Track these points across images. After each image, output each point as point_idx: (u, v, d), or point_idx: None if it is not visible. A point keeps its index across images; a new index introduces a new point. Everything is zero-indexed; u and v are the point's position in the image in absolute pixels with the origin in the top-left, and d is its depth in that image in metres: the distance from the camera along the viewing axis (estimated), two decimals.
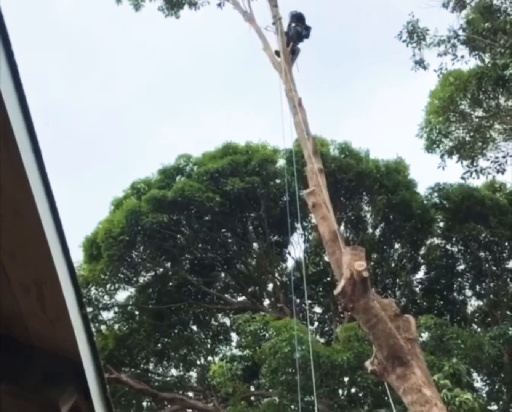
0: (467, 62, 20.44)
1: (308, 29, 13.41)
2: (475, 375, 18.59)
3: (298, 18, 13.40)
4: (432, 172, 36.07)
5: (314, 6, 28.95)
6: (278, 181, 21.92)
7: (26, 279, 2.74)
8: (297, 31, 13.08)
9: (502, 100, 21.45)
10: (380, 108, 44.30)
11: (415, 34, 20.19)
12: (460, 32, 20.29)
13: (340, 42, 40.59)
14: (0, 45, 2.05)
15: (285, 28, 13.20)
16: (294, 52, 12.87)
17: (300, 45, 13.13)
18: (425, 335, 17.33)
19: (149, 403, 23.08)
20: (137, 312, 23.10)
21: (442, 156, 21.21)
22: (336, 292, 9.42)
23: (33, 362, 3.03)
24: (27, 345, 3.04)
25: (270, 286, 23.74)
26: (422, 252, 23.00)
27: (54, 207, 2.48)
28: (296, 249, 23.03)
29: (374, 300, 10.52)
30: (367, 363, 9.71)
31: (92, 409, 3.12)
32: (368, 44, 40.76)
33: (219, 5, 18.65)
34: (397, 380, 9.02)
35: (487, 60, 20.53)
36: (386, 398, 14.78)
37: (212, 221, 21.72)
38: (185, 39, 44.15)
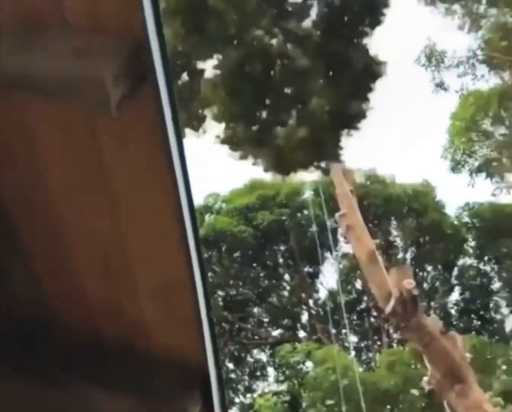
0: (487, 80, 20.55)
1: None
2: None
3: None
4: (461, 190, 35.67)
5: None
6: (305, 212, 21.96)
7: (154, 284, 2.76)
8: None
9: None
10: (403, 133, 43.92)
11: (433, 58, 20.35)
12: (478, 52, 20.42)
13: None
14: None
15: None
16: None
17: None
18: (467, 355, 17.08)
19: None
20: None
21: (470, 174, 21.15)
22: (386, 311, 9.32)
23: (156, 373, 3.02)
24: (148, 355, 3.03)
25: (303, 318, 23.62)
26: (455, 273, 22.83)
27: (192, 207, 2.48)
28: (329, 278, 22.97)
29: (426, 318, 10.40)
30: (424, 383, 9.57)
31: None
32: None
33: None
34: (457, 397, 8.86)
35: (506, 77, 20.62)
36: None
37: (242, 256, 21.77)
38: None
